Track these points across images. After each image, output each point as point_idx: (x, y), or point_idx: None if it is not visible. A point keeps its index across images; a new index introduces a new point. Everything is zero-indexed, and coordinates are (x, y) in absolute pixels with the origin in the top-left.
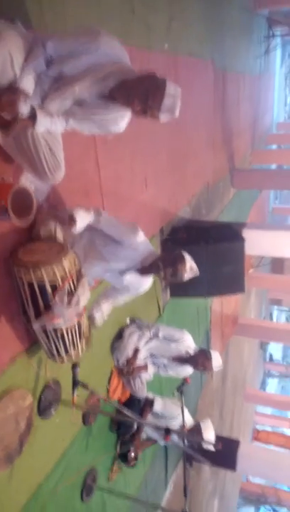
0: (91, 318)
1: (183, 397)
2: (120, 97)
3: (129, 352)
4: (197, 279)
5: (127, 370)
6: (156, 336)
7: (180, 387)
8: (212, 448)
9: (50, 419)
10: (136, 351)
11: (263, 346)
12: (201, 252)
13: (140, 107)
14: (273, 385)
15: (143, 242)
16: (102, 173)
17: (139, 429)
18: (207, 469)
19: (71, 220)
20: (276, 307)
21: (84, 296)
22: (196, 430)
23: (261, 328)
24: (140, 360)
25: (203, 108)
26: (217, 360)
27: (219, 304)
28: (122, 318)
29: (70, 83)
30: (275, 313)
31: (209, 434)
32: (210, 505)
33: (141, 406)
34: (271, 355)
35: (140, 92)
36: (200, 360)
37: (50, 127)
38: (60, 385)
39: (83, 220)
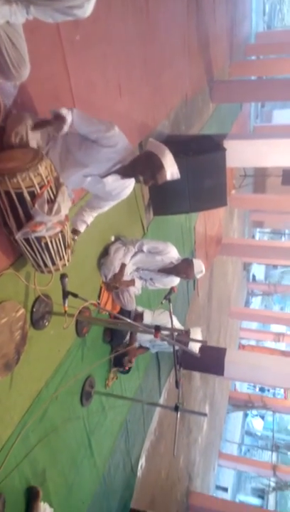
0: (74, 227)
1: (170, 305)
2: None
3: (116, 267)
4: (180, 194)
5: (114, 285)
6: (140, 250)
7: (167, 295)
8: (197, 348)
9: (45, 330)
10: (123, 266)
11: (246, 267)
12: (181, 166)
13: None
14: (256, 304)
15: (120, 139)
16: (72, 78)
17: (132, 336)
18: (197, 378)
19: (59, 118)
20: (258, 229)
21: (64, 204)
22: (185, 332)
23: (245, 246)
24: (126, 275)
25: (176, 11)
26: (198, 266)
27: (203, 225)
28: (107, 236)
29: None
30: (257, 236)
31: (197, 336)
32: (202, 410)
33: (132, 319)
34: (254, 276)
35: None
36: (182, 268)
37: (10, 18)
38: (51, 299)
39: (68, 117)
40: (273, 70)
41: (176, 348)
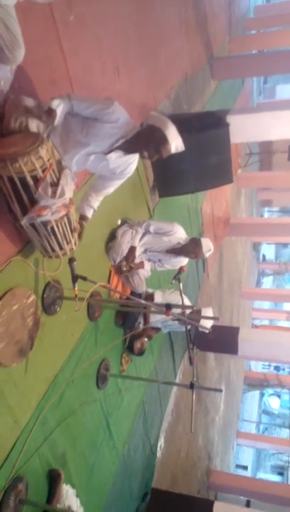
0: (81, 213)
1: (180, 284)
2: None
3: (124, 250)
4: (185, 174)
5: (126, 268)
6: (147, 230)
7: (177, 275)
8: (209, 325)
9: (56, 316)
10: (133, 249)
11: (256, 247)
12: (185, 144)
13: None
14: (268, 284)
15: (121, 114)
16: (68, 60)
17: (146, 317)
18: (211, 359)
19: (50, 113)
20: (266, 209)
21: (68, 187)
22: (196, 311)
23: (254, 225)
24: (136, 258)
25: None
26: (206, 245)
27: (210, 206)
28: (113, 220)
29: None
30: (266, 215)
31: (209, 315)
32: None
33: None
34: (264, 256)
35: None
36: (190, 248)
37: None
38: (61, 284)
39: (61, 109)
40: (273, 43)
41: (188, 327)
